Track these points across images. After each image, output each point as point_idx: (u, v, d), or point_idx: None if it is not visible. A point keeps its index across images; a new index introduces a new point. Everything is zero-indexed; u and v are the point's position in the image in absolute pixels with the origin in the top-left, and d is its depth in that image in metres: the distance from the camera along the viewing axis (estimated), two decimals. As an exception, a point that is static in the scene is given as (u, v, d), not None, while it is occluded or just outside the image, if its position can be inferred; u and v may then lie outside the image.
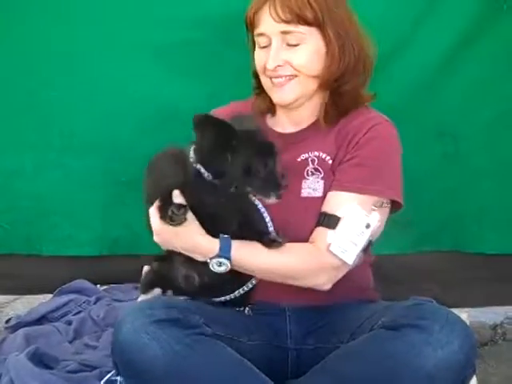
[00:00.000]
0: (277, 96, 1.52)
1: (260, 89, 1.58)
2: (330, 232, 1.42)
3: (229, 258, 1.38)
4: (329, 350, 1.38)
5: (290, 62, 1.46)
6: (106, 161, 2.00)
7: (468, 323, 1.61)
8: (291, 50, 1.46)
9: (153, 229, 1.41)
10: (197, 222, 1.38)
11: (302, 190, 1.49)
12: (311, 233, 1.45)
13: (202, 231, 1.39)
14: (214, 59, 1.93)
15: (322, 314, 1.48)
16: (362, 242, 1.41)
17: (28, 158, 2.02)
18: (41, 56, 1.94)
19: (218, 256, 1.37)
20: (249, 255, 1.41)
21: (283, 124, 1.59)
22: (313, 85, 1.50)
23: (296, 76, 1.48)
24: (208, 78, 1.94)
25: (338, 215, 1.42)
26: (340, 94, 1.51)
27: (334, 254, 1.41)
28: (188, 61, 1.94)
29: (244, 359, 1.33)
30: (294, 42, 1.45)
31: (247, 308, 1.50)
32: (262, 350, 1.44)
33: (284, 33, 1.44)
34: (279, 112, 1.59)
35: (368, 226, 1.42)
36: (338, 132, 1.51)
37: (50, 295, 2.04)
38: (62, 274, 2.06)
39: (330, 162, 1.49)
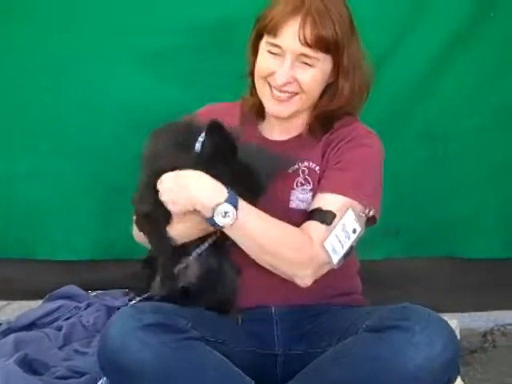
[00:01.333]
0: (272, 108, 1.51)
1: (254, 90, 1.56)
2: (325, 227, 1.41)
3: (236, 207, 1.31)
4: (317, 355, 1.39)
5: (299, 81, 1.45)
6: (98, 165, 2.00)
7: (458, 331, 1.63)
8: (302, 69, 1.45)
9: (162, 185, 1.33)
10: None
11: (291, 202, 1.48)
12: None
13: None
14: (204, 64, 1.94)
15: (309, 319, 1.48)
16: (347, 246, 1.42)
17: (20, 163, 2.02)
18: (31, 61, 1.95)
19: (226, 201, 1.30)
20: (253, 215, 1.36)
21: (273, 131, 1.58)
22: (310, 103, 1.51)
23: (298, 94, 1.47)
24: (198, 83, 1.94)
25: (334, 211, 1.41)
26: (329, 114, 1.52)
27: (326, 250, 1.40)
28: (178, 66, 1.95)
29: (231, 364, 1.34)
30: (309, 63, 1.44)
31: (237, 317, 1.49)
32: (249, 355, 1.44)
33: (302, 55, 1.43)
34: (270, 118, 1.59)
35: (354, 231, 1.42)
36: (325, 140, 1.52)
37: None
38: (55, 279, 2.05)
39: (318, 171, 1.50)
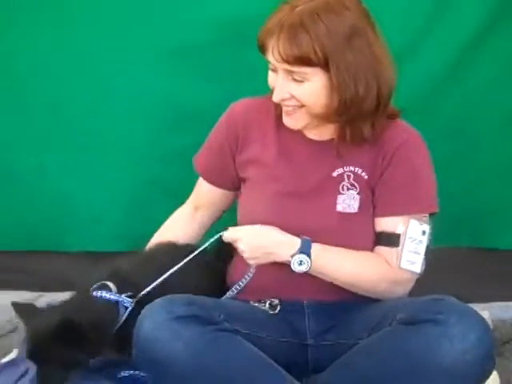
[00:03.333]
0: (285, 121, 1.51)
1: None
2: (395, 250, 1.47)
3: (309, 255, 1.43)
4: (348, 346, 1.41)
5: (296, 96, 1.43)
6: (129, 159, 2.03)
7: (490, 322, 1.63)
8: (296, 84, 1.42)
9: (239, 244, 1.48)
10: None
11: (337, 205, 1.49)
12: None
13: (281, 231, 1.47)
14: (231, 60, 1.96)
15: (340, 311, 1.50)
16: (422, 249, 1.48)
17: (51, 156, 2.06)
18: (65, 56, 1.98)
19: (300, 252, 1.43)
20: (329, 259, 1.46)
21: (309, 131, 1.54)
22: (320, 114, 1.46)
23: (302, 106, 1.45)
24: (225, 78, 1.96)
25: (397, 232, 1.47)
26: (352, 124, 1.47)
27: (405, 269, 1.46)
28: (205, 62, 1.97)
29: (264, 355, 1.36)
30: (298, 78, 1.41)
31: (267, 305, 1.52)
32: (281, 346, 1.46)
33: (288, 70, 1.41)
34: None
35: (424, 233, 1.48)
36: (370, 146, 1.50)
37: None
38: (86, 271, 2.09)
39: (366, 177, 1.50)
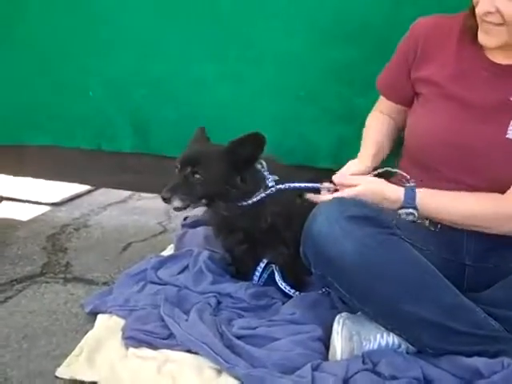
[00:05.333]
0: (481, 38, 1.44)
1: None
2: None
3: (415, 208, 1.43)
4: (509, 270, 1.40)
5: (501, 11, 1.36)
6: (286, 72, 2.02)
7: None
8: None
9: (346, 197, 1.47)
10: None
11: (509, 131, 1.44)
12: None
13: (387, 184, 1.48)
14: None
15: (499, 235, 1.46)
16: None
17: (209, 68, 2.10)
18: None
19: (405, 205, 1.43)
20: (436, 204, 1.45)
21: (495, 53, 1.49)
22: None
23: (502, 25, 1.38)
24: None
25: None
26: None
27: None
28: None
29: (428, 262, 1.38)
30: None
31: (428, 221, 1.51)
32: (440, 261, 1.46)
33: None
34: None
35: None
36: None
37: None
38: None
39: None
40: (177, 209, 1.54)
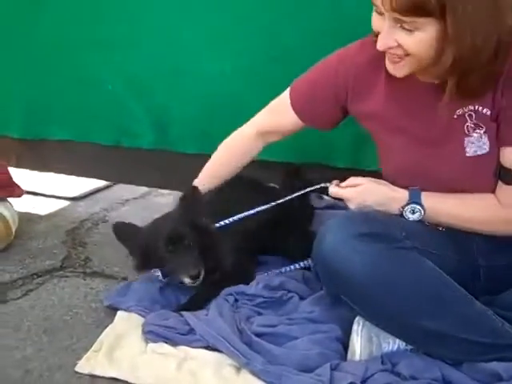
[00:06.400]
0: (389, 68, 1.42)
1: None
2: (509, 188, 1.40)
3: (421, 205, 1.44)
4: None
5: (402, 45, 1.32)
6: (304, 71, 1.99)
7: None
8: (404, 33, 1.30)
9: (347, 202, 1.51)
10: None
11: (467, 149, 1.42)
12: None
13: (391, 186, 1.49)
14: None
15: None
16: None
17: (226, 62, 2.12)
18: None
19: (411, 202, 1.44)
20: (439, 204, 1.45)
21: (424, 75, 1.45)
22: (426, 63, 1.35)
23: (407, 55, 1.34)
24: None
25: None
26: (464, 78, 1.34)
27: None
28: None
29: (443, 273, 1.36)
30: (408, 28, 1.29)
31: None
32: (454, 264, 1.46)
33: (397, 19, 1.29)
34: None
35: None
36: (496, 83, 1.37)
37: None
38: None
39: (489, 113, 1.39)
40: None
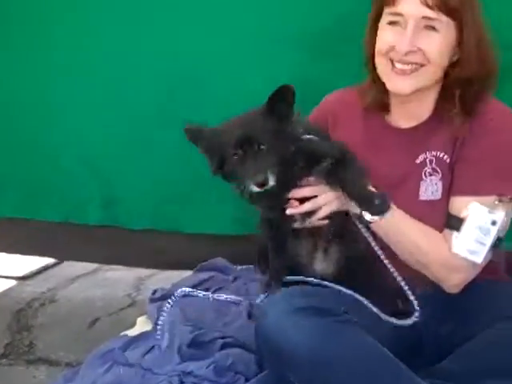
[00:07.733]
0: (394, 84, 1.47)
1: (375, 75, 1.52)
2: (454, 234, 1.42)
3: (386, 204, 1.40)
4: (467, 335, 1.38)
5: (424, 50, 1.41)
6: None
7: None
8: (426, 37, 1.41)
9: (322, 201, 1.42)
10: None
11: (420, 193, 1.47)
12: None
13: None
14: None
15: (454, 298, 1.46)
16: (489, 241, 1.39)
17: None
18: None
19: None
20: (399, 218, 1.42)
21: (399, 118, 1.54)
22: (435, 78, 1.46)
23: (423, 66, 1.43)
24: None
25: (461, 216, 1.41)
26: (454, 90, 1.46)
27: (461, 257, 1.40)
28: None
29: (384, 348, 1.35)
30: (431, 25, 1.40)
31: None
32: (394, 333, 1.43)
33: (424, 18, 1.39)
34: (393, 104, 1.55)
35: (494, 223, 1.39)
36: (456, 129, 1.45)
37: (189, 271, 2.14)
38: (202, 252, 2.15)
39: (448, 160, 1.46)
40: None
